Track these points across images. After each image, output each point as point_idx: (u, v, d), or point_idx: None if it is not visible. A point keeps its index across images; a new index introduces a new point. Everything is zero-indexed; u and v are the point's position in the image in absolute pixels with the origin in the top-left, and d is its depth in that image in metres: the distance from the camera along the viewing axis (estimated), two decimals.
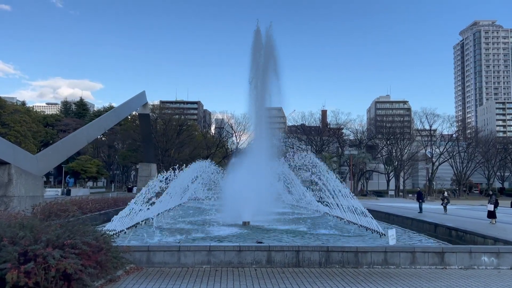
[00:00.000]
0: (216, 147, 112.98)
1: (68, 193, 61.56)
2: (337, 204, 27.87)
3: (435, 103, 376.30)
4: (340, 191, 24.66)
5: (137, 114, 72.83)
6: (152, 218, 22.36)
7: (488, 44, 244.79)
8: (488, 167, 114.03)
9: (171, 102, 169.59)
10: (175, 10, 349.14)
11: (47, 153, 27.94)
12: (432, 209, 39.02)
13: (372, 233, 21.00)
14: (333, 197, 27.58)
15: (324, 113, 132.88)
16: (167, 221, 26.24)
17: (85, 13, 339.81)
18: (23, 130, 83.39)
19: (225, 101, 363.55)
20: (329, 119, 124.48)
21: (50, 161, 28.40)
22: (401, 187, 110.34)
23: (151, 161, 57.50)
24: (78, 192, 60.57)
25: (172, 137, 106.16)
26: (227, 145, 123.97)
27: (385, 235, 19.91)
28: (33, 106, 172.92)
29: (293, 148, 40.66)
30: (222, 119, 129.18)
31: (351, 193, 24.90)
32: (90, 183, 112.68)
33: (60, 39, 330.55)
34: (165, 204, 29.28)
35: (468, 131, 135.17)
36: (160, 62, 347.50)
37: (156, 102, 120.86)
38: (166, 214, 29.78)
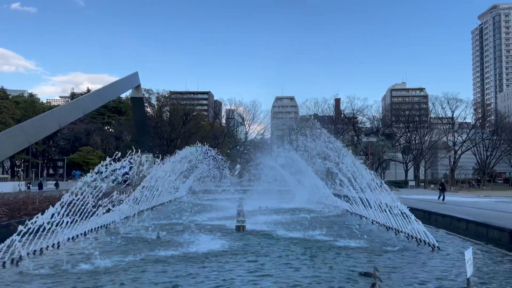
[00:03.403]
0: (224, 137, 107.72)
1: (40, 187, 57.38)
2: (361, 200, 22.00)
3: (452, 90, 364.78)
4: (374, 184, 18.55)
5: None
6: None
7: (508, 28, 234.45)
8: None
9: (182, 93, 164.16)
10: (187, 4, 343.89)
11: None
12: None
13: (418, 244, 14.96)
14: (358, 191, 21.77)
15: (337, 101, 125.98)
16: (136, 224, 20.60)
17: (103, 9, 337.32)
18: (3, 117, 78.30)
19: (234, 90, 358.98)
20: (343, 105, 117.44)
21: (4, 148, 22.78)
22: (422, 177, 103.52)
23: (146, 150, 51.70)
24: (67, 185, 55.23)
25: (178, 126, 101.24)
26: (237, 135, 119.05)
27: (439, 248, 13.89)
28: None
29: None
30: (231, 109, 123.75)
31: (384, 184, 18.78)
32: None
33: (79, 35, 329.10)
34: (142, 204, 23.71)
35: (492, 117, 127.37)
36: (170, 53, 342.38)
37: (166, 94, 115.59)
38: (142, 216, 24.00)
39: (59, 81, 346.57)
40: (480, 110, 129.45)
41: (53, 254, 13.27)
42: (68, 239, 15.18)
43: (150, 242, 15.61)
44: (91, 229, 17.67)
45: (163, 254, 13.16)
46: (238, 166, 72.38)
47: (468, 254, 9.60)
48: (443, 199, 35.94)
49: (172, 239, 16.06)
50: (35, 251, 12.99)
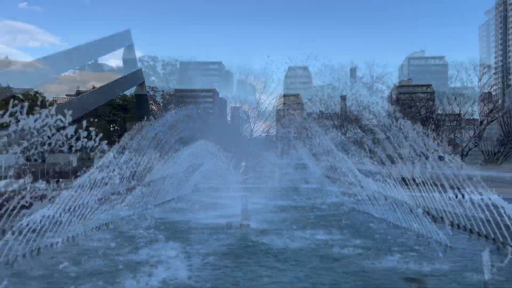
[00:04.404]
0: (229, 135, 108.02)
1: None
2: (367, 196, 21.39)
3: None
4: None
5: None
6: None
7: None
8: None
9: (186, 90, 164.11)
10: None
11: None
12: None
13: (429, 242, 14.42)
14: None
15: (343, 98, 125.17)
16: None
17: (108, 8, 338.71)
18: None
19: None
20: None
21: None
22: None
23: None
24: (70, 183, 55.38)
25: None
26: (242, 132, 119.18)
27: (451, 247, 13.36)
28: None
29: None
30: (237, 106, 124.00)
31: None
32: None
33: (84, 34, 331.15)
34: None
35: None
36: (174, 52, 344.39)
37: (171, 91, 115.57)
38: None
39: (65, 79, 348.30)
40: (487, 105, 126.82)
41: (51, 253, 12.92)
42: (68, 238, 14.81)
43: (152, 241, 15.20)
44: (91, 228, 17.29)
45: (164, 253, 12.72)
46: (243, 163, 72.01)
47: (486, 254, 9.11)
48: None
49: (174, 238, 15.64)
50: (32, 250, 12.63)
